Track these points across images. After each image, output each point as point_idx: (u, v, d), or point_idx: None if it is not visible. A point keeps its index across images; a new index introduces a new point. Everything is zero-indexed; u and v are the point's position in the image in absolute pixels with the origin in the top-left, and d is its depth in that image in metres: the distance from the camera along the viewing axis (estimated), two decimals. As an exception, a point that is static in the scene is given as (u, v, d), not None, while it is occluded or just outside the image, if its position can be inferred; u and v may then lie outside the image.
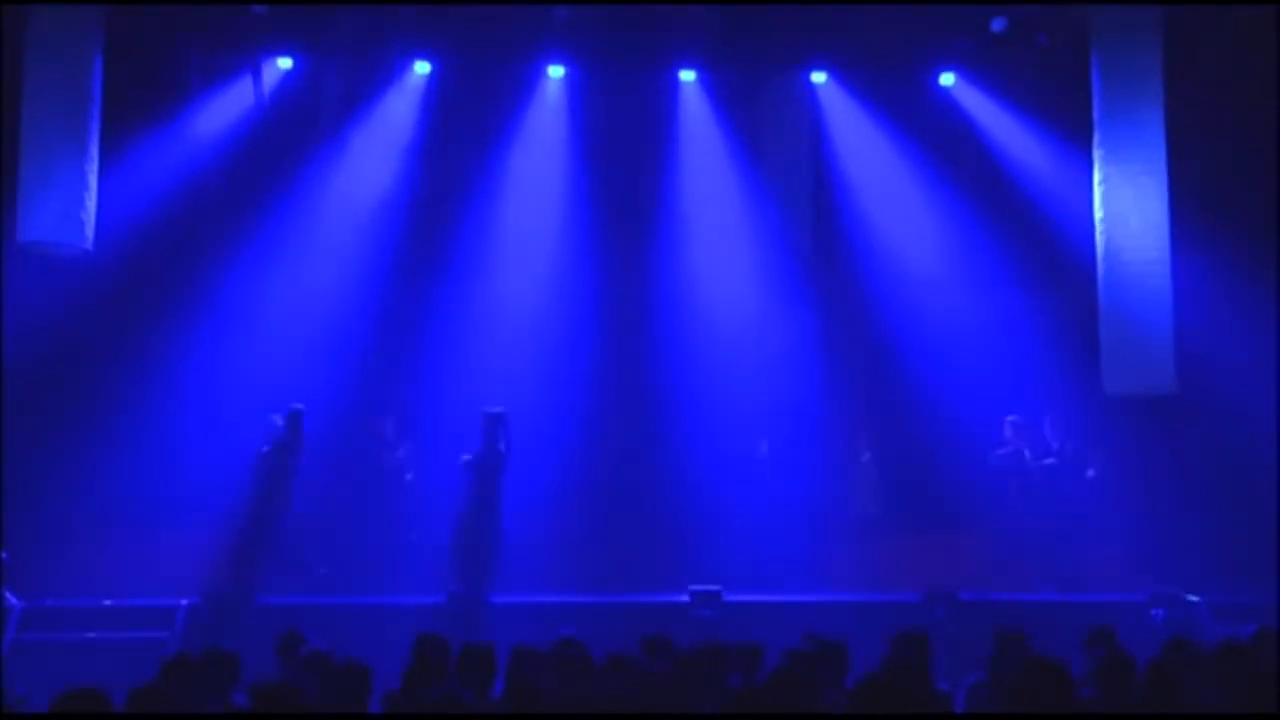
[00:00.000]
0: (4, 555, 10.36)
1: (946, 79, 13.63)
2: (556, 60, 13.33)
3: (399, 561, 11.63)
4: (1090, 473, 12.40)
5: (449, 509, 11.49)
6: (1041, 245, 13.22)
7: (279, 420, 11.95)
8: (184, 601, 10.64)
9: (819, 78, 13.80)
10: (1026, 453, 12.50)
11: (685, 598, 10.82)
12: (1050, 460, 12.50)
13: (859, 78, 13.67)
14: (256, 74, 12.97)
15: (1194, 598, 10.82)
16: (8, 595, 10.28)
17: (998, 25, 12.56)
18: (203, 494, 11.57)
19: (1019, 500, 12.35)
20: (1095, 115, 11.69)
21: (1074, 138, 12.28)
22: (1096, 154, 11.67)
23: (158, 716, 5.17)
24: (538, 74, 13.50)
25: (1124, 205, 11.48)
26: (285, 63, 13.13)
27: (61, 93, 10.88)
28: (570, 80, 13.56)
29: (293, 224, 13.03)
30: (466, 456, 11.40)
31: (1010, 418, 12.64)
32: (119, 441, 11.95)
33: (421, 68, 13.35)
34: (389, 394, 13.01)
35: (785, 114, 14.08)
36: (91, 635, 10.21)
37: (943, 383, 12.96)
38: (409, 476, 12.46)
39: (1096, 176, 11.66)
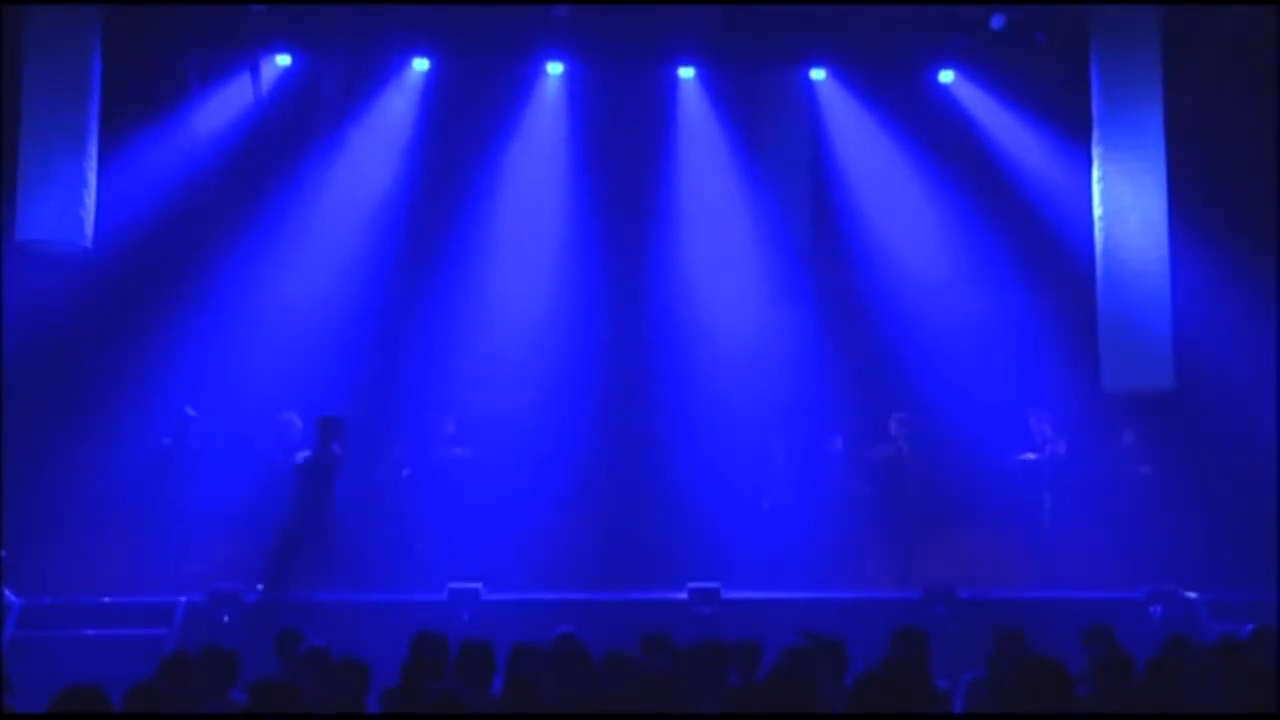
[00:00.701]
0: (3, 553, 10.35)
1: (946, 76, 13.61)
2: (555, 57, 13.32)
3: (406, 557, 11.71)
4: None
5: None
6: (1040, 243, 13.21)
7: (295, 419, 11.98)
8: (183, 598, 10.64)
9: (818, 74, 13.78)
10: (905, 449, 12.57)
11: (684, 595, 10.80)
12: (1031, 455, 12.53)
13: (858, 75, 13.65)
14: (255, 71, 12.95)
15: (1193, 595, 10.82)
16: (6, 593, 10.27)
17: (997, 23, 12.55)
18: (201, 492, 11.59)
19: (892, 496, 12.48)
20: (1094, 112, 11.69)
21: (1073, 135, 12.28)
22: (1096, 151, 11.67)
23: (156, 715, 5.15)
24: (536, 71, 13.49)
25: (1123, 202, 11.48)
26: (284, 60, 13.12)
27: (60, 90, 10.90)
28: (569, 77, 13.55)
29: (291, 221, 13.04)
30: (299, 458, 11.33)
31: (896, 415, 12.73)
32: (117, 439, 11.97)
33: (420, 65, 13.33)
34: (389, 392, 12.98)
35: (784, 111, 14.08)
36: (90, 632, 10.20)
37: (940, 379, 12.96)
38: (406, 472, 12.45)
39: (1095, 174, 11.67)
